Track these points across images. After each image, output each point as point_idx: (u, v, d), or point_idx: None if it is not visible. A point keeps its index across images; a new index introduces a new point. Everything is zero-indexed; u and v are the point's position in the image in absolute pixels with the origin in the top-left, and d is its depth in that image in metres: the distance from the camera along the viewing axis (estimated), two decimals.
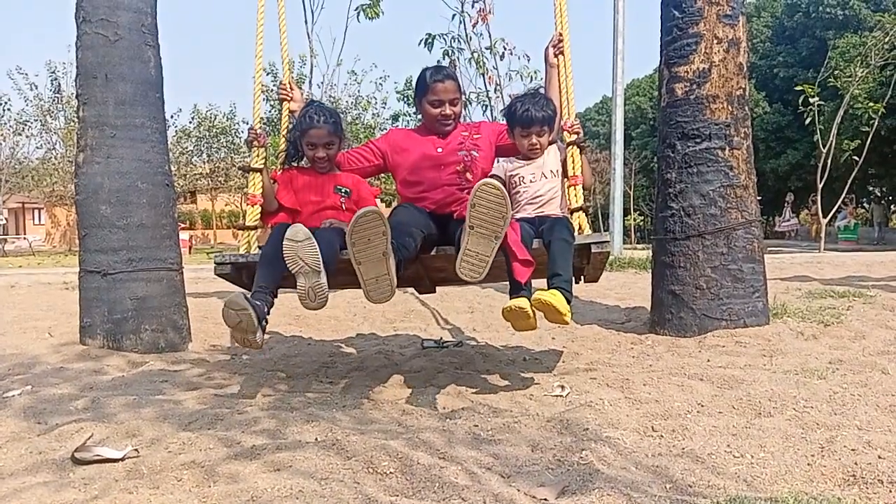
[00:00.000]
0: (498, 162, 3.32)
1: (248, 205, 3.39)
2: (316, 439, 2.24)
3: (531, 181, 3.17)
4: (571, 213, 3.14)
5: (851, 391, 2.70)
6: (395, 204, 3.73)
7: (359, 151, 3.58)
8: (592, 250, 2.95)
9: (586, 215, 3.04)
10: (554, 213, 3.11)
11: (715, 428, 2.32)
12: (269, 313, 2.80)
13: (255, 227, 3.35)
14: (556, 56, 3.44)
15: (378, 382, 3.12)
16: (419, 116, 3.59)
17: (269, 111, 32.41)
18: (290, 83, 3.63)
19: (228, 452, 2.10)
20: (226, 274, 3.09)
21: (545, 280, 2.83)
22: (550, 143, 3.21)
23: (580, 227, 3.08)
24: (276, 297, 2.89)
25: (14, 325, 4.79)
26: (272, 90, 31.43)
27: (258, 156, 3.31)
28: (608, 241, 3.04)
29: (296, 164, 3.50)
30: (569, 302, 2.74)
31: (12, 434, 2.35)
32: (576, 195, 3.16)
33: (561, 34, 3.45)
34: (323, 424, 2.35)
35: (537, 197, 3.15)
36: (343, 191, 3.34)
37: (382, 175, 4.03)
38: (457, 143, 3.39)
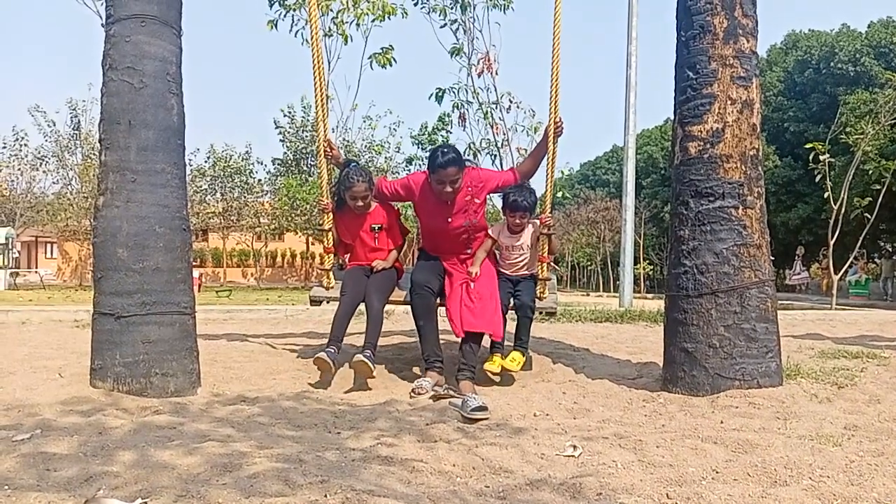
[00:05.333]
0: (493, 226, 4.83)
1: (325, 253, 5.05)
2: (325, 495, 2.22)
3: (512, 250, 4.77)
4: (538, 280, 4.78)
5: (868, 460, 2.65)
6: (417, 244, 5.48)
7: (395, 185, 4.91)
8: (544, 312, 4.96)
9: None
10: (525, 273, 4.77)
11: (730, 497, 2.28)
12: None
13: (331, 269, 5.03)
14: (554, 135, 4.56)
15: (387, 435, 3.09)
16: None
17: (284, 153, 32.93)
18: (329, 143, 4.81)
19: None
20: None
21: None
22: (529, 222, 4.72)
23: (542, 291, 4.82)
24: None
25: (24, 363, 4.79)
26: (289, 131, 32.04)
27: (328, 220, 4.88)
28: (555, 309, 4.98)
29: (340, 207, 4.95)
30: (524, 354, 4.69)
31: (21, 483, 2.33)
32: (541, 269, 4.79)
33: (561, 119, 4.57)
34: (332, 483, 2.32)
35: (515, 262, 4.78)
36: (376, 228, 4.93)
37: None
38: (462, 211, 4.66)
